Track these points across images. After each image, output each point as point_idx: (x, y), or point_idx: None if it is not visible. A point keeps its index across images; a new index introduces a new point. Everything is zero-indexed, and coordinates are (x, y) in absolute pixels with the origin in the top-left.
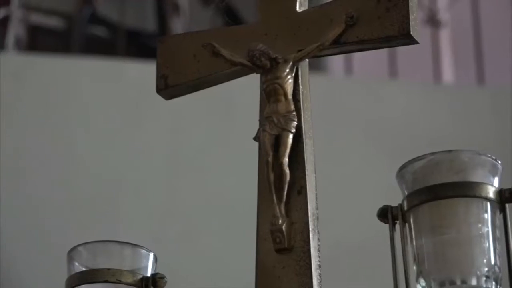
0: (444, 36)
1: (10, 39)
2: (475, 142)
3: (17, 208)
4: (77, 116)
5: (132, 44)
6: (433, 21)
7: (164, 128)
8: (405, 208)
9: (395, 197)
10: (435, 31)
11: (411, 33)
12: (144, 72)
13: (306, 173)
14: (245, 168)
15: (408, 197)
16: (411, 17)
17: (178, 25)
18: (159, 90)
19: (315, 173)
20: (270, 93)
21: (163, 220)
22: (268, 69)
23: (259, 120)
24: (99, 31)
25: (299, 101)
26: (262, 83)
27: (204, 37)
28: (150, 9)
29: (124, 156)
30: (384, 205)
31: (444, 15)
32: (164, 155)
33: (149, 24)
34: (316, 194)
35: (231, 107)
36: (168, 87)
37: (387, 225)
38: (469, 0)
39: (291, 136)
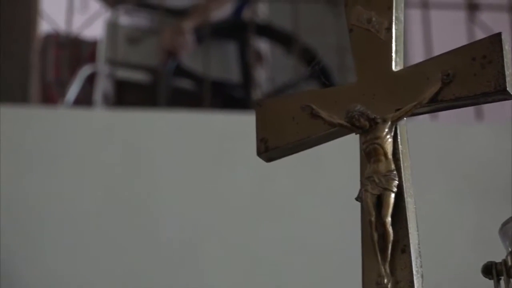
0: None
1: (98, 95)
2: None
3: (85, 259)
4: (164, 167)
5: (217, 95)
6: None
7: (250, 177)
8: (509, 263)
9: (487, 243)
10: None
11: (507, 89)
12: (229, 123)
13: (409, 231)
14: (333, 218)
15: None
16: (506, 72)
17: (262, 74)
18: (259, 153)
19: (417, 230)
20: (370, 153)
21: (249, 269)
22: (367, 130)
23: (360, 181)
24: (184, 83)
25: (399, 160)
26: (361, 143)
27: (301, 99)
28: (233, 60)
29: (211, 206)
30: (488, 261)
31: None
32: (250, 205)
33: (233, 74)
34: (420, 251)
35: (319, 156)
36: (268, 150)
37: (488, 280)
38: None
39: (392, 195)
